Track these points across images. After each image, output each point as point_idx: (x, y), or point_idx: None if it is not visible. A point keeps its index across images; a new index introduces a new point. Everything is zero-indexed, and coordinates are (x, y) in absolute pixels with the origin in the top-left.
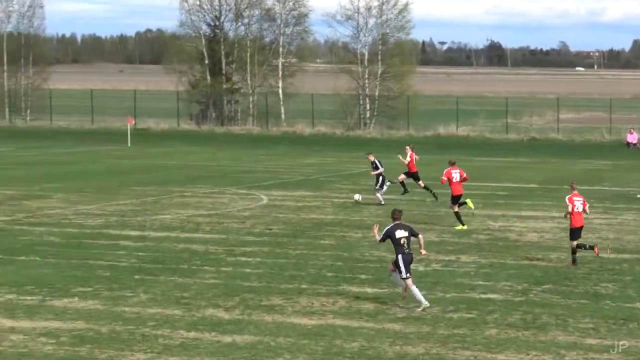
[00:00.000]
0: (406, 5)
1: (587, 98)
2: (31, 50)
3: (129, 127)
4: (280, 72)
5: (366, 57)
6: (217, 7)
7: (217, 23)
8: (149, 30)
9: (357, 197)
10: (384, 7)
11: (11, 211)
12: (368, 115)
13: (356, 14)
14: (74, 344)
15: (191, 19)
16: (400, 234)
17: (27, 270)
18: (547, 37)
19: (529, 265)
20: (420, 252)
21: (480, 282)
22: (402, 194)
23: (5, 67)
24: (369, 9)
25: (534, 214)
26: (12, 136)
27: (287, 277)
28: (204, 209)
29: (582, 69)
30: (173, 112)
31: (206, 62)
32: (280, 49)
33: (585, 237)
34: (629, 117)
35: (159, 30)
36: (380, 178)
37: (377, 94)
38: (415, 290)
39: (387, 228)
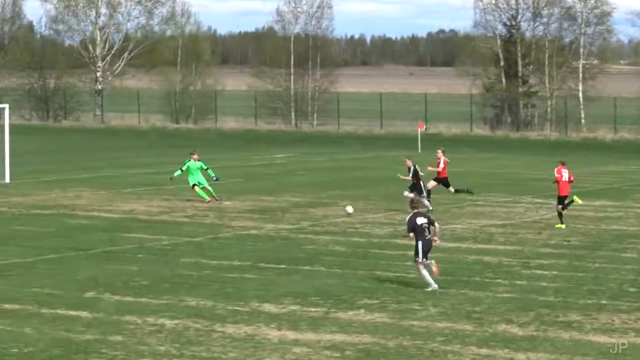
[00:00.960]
0: None
1: None
2: (319, 52)
3: (419, 132)
4: (581, 75)
5: None
6: (513, 6)
7: (514, 23)
8: (441, 31)
9: (349, 209)
10: None
11: (295, 219)
12: None
13: None
14: (359, 358)
15: (486, 18)
16: (420, 220)
17: (312, 281)
18: None
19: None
20: (434, 240)
21: None
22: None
23: (292, 70)
24: None
25: None
26: (298, 141)
27: (586, 291)
28: (497, 219)
29: None
30: (465, 116)
31: (501, 64)
32: (581, 50)
33: None
34: None
35: (452, 30)
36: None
37: None
38: (425, 273)
39: (409, 218)
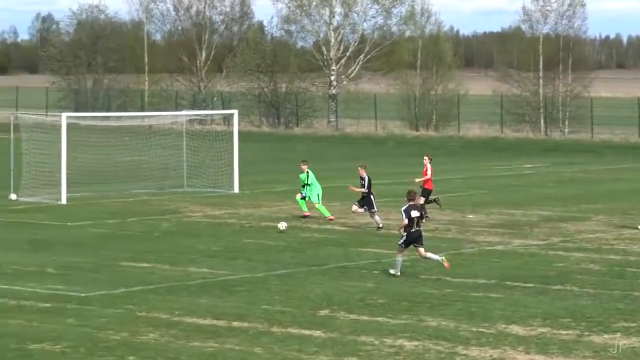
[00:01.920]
0: None
1: None
2: (570, 53)
3: None
4: None
5: None
6: None
7: None
8: None
9: (282, 226)
10: None
11: (545, 234)
12: None
13: None
14: None
15: None
16: (414, 214)
17: (563, 301)
18: None
19: None
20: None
21: None
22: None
23: (540, 73)
24: None
25: None
26: (548, 150)
27: None
28: None
29: None
30: None
31: None
32: None
33: None
34: None
35: None
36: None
37: None
38: (399, 259)
39: (404, 209)
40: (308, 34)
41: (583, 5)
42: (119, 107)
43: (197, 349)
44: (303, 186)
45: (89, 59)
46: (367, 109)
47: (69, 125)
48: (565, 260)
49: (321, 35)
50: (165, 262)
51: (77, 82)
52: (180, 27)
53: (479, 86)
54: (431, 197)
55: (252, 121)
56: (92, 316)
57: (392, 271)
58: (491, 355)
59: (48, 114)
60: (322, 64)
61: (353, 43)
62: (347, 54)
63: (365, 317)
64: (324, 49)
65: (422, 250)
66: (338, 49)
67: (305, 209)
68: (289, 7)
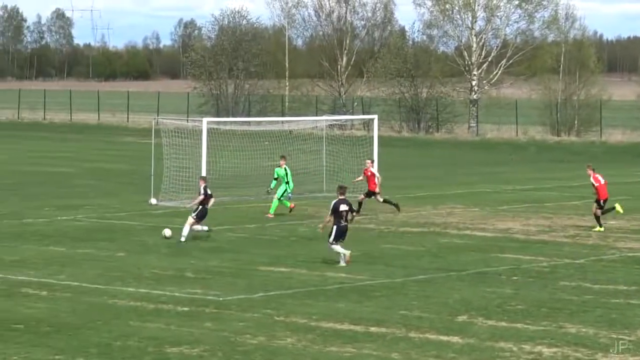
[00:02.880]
0: None
1: None
2: None
3: None
4: None
5: None
6: None
7: None
8: None
9: (166, 232)
10: None
11: None
12: None
13: None
14: None
15: None
16: (343, 207)
17: None
18: None
19: None
20: (352, 216)
21: None
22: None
23: None
24: None
25: None
26: None
27: None
28: None
29: None
30: None
31: None
32: None
33: None
34: None
35: None
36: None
37: None
38: (337, 248)
39: (334, 202)
40: (450, 38)
41: None
42: (259, 112)
43: (334, 354)
44: (275, 179)
45: (230, 64)
46: (508, 114)
47: (209, 130)
48: None
49: (463, 40)
50: (303, 267)
51: (218, 87)
52: (321, 33)
53: (622, 91)
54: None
55: (392, 126)
56: (230, 320)
57: (342, 263)
58: None
59: (189, 119)
60: (463, 69)
61: (495, 48)
62: (489, 58)
63: (503, 323)
64: (465, 53)
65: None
66: (480, 54)
67: (287, 204)
68: (432, 12)
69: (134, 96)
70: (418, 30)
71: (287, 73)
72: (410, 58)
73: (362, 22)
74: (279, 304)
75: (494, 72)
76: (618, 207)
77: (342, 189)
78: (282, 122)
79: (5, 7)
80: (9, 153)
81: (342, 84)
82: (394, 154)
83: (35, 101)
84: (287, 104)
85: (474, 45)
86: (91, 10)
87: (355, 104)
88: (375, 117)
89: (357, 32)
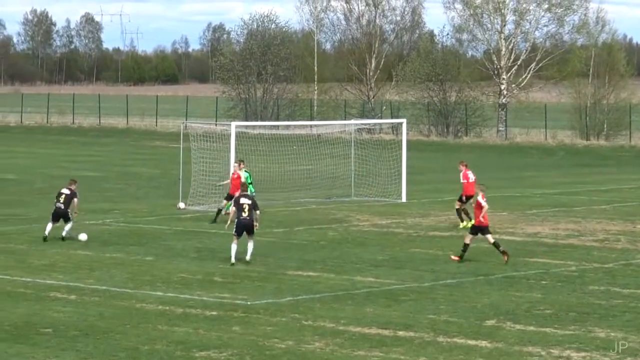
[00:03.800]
0: None
1: None
2: None
3: None
4: None
5: None
6: None
7: None
8: None
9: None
10: None
11: None
12: None
13: None
14: None
15: None
16: (243, 200)
17: None
18: None
19: None
20: (255, 225)
21: None
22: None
23: None
24: None
25: None
26: None
27: None
28: None
29: None
30: None
31: None
32: None
33: None
34: None
35: None
36: None
37: None
38: (233, 247)
39: (235, 196)
40: (479, 42)
41: None
42: (288, 116)
43: (362, 358)
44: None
45: (259, 68)
46: (537, 118)
47: (237, 134)
48: None
49: (492, 44)
50: (331, 271)
51: (247, 91)
52: (350, 36)
53: None
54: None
55: (420, 130)
56: (258, 324)
57: (231, 263)
58: None
59: (217, 123)
60: (492, 72)
61: (524, 51)
62: (518, 62)
63: (532, 328)
64: (494, 57)
65: (250, 239)
66: (509, 58)
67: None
68: (462, 16)
69: (163, 100)
70: (447, 34)
71: (315, 77)
72: (439, 62)
73: (391, 26)
74: (307, 308)
75: (523, 76)
76: (466, 224)
77: (244, 186)
78: (311, 126)
79: (34, 11)
80: (39, 157)
81: (370, 87)
82: (422, 158)
83: (64, 105)
84: (315, 108)
85: (503, 49)
86: (120, 14)
87: (384, 107)
88: (404, 121)
89: (386, 36)
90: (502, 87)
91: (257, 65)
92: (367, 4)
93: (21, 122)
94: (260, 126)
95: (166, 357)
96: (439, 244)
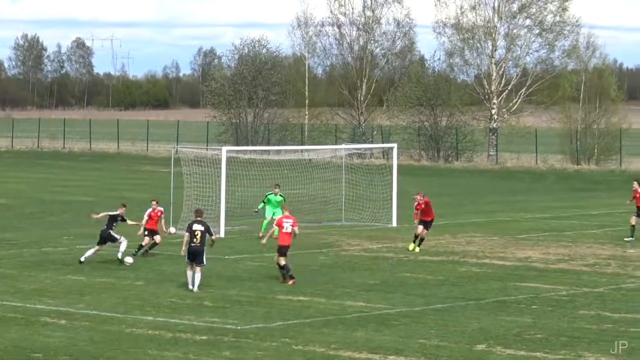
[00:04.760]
0: None
1: None
2: None
3: None
4: None
5: None
6: None
7: None
8: None
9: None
10: None
11: None
12: None
13: None
14: None
15: None
16: (196, 227)
17: None
18: None
19: None
20: (212, 240)
21: None
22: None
23: None
24: None
25: None
26: None
27: None
28: None
29: None
30: None
31: None
32: None
33: None
34: None
35: None
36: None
37: None
38: (189, 273)
39: (189, 222)
40: (470, 67)
41: None
42: (278, 141)
43: None
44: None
45: (249, 93)
46: (528, 142)
47: (228, 159)
48: None
49: (483, 68)
50: (321, 296)
51: (238, 116)
52: (341, 61)
53: None
54: None
55: (411, 155)
56: (248, 349)
57: (191, 288)
58: None
59: (208, 147)
60: (483, 97)
61: (515, 76)
62: (509, 87)
63: (522, 352)
64: (485, 82)
65: (197, 269)
66: (499, 83)
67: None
68: (452, 41)
69: (154, 125)
70: (439, 59)
71: (306, 102)
72: (430, 87)
73: (383, 51)
74: (297, 332)
75: (514, 101)
76: (414, 246)
77: (198, 212)
78: (302, 150)
79: (25, 36)
80: (29, 182)
81: (361, 112)
82: (413, 182)
83: (55, 130)
84: (306, 132)
85: (494, 74)
86: (111, 39)
87: (375, 132)
88: (395, 145)
89: (378, 61)
90: (493, 111)
91: (248, 89)
92: (359, 29)
93: (12, 146)
94: (251, 151)
95: None
96: (430, 268)
